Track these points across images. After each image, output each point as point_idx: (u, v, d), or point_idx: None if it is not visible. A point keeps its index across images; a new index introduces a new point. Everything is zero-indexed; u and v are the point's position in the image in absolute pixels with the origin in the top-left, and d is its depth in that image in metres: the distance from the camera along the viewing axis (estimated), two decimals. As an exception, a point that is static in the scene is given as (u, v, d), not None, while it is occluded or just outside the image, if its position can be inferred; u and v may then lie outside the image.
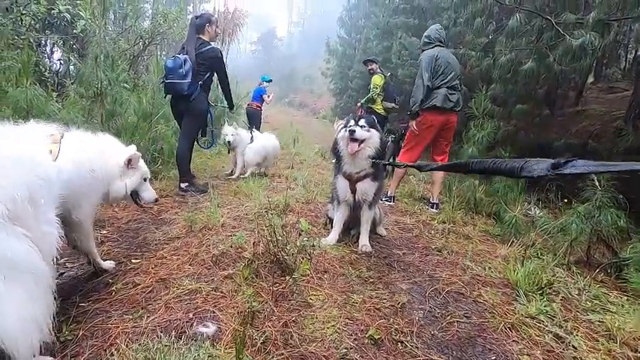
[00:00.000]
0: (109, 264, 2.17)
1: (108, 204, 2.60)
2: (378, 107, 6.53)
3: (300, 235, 2.44)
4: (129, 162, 2.02)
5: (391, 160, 5.66)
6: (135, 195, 2.20)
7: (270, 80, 9.31)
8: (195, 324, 1.62)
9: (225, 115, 7.63)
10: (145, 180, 2.22)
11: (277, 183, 4.83)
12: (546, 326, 1.83)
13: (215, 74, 4.22)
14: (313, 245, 2.42)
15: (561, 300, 2.07)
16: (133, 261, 2.27)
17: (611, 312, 2.01)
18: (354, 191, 2.72)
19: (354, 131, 2.56)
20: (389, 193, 4.28)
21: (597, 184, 2.76)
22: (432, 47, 4.07)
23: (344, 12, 19.52)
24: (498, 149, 4.38)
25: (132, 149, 2.04)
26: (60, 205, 1.57)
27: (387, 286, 2.16)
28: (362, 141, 2.59)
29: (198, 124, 4.22)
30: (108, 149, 1.97)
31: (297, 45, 40.96)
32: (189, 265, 2.21)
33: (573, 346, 1.67)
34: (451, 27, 7.19)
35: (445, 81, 3.93)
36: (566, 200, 3.27)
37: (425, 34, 4.27)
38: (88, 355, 1.37)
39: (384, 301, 1.98)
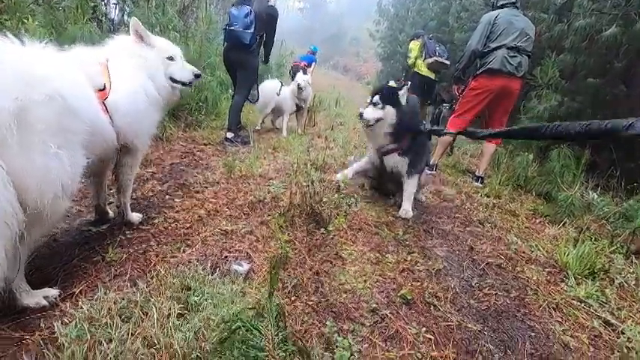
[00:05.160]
0: (136, 216, 1.96)
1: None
2: (422, 69, 6.12)
3: (338, 188, 2.40)
4: (136, 34, 1.73)
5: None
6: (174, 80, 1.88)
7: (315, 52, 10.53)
8: (229, 261, 1.65)
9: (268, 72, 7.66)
10: (171, 59, 1.86)
11: (317, 142, 4.76)
12: (595, 311, 1.69)
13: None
14: (349, 203, 2.39)
15: (616, 287, 1.90)
16: (176, 200, 2.34)
17: (674, 307, 1.82)
18: (382, 161, 2.66)
19: (362, 114, 2.52)
20: (432, 161, 4.08)
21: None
22: (501, 8, 3.66)
23: (402, -31, 18.11)
24: (560, 125, 3.97)
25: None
26: (121, 136, 1.61)
27: (423, 251, 2.09)
28: (378, 119, 2.50)
29: (254, 77, 4.34)
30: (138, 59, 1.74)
31: (347, 4, 38.98)
32: (227, 208, 2.25)
33: (628, 337, 1.52)
34: (522, -14, 6.42)
35: (504, 42, 3.53)
36: (635, 184, 2.93)
37: None
38: (130, 275, 1.45)
39: (419, 264, 1.91)
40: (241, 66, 4.16)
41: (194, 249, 1.74)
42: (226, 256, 1.69)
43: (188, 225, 1.99)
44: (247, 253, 1.76)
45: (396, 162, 2.59)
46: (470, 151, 5.46)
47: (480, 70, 3.69)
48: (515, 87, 3.63)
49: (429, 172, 4.03)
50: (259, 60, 4.50)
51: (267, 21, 4.08)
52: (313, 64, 10.13)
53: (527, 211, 3.14)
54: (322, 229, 2.01)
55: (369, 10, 23.90)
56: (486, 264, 2.04)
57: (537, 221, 2.94)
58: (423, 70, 6.12)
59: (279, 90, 5.07)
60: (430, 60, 5.95)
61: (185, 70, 1.94)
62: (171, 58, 1.86)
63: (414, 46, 6.23)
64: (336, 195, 1.94)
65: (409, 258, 1.96)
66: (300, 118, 5.40)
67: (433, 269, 1.87)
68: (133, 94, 1.64)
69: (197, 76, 1.99)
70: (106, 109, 1.47)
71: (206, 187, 2.62)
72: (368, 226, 2.27)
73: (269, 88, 5.12)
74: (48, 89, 1.10)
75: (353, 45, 31.32)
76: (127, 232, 1.84)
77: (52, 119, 1.12)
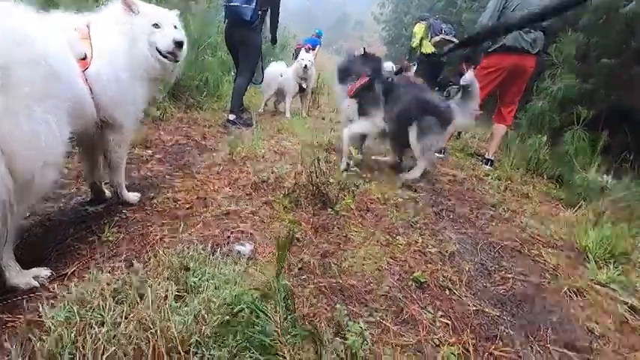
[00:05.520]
0: (133, 196, 1.85)
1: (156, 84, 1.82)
2: (428, 50, 5.87)
3: (347, 166, 2.29)
4: (124, 2, 1.55)
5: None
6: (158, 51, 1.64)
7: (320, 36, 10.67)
8: (231, 242, 1.56)
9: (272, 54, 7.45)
10: (157, 26, 1.63)
11: (321, 124, 4.62)
12: (620, 296, 1.59)
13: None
14: (356, 183, 2.29)
15: None
16: (176, 181, 2.24)
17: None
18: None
19: None
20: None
21: None
22: None
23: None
24: (575, 108, 3.78)
25: None
26: (102, 109, 1.49)
27: (435, 234, 1.99)
28: None
29: (257, 57, 4.15)
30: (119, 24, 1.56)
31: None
32: (229, 188, 2.15)
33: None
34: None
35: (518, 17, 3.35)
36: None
37: None
38: (126, 256, 1.36)
39: (431, 246, 1.82)
40: (243, 44, 4.00)
41: (194, 229, 1.65)
42: (228, 237, 1.60)
43: (188, 205, 1.89)
44: (250, 233, 1.67)
45: (350, 105, 2.81)
46: (478, 135, 5.32)
47: (493, 48, 3.52)
48: (529, 65, 3.46)
49: (438, 155, 3.91)
50: (263, 38, 4.33)
51: None
52: (317, 46, 10.06)
53: (540, 194, 3.03)
54: (329, 210, 1.91)
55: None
56: (501, 247, 1.94)
57: (551, 204, 2.83)
58: (429, 50, 5.93)
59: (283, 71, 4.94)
60: (437, 38, 5.73)
61: (165, 38, 1.61)
62: (156, 25, 1.62)
63: (419, 29, 6.06)
64: (344, 174, 1.83)
65: (420, 240, 1.86)
66: (303, 100, 5.25)
67: (446, 252, 1.78)
68: (114, 64, 1.49)
69: (178, 44, 1.62)
70: (86, 79, 1.35)
71: (208, 168, 2.52)
72: (376, 207, 2.17)
73: (273, 70, 4.98)
74: (33, 50, 1.03)
75: (357, 29, 30.74)
76: (125, 212, 1.75)
77: (38, 82, 1.05)
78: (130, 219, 1.69)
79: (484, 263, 1.76)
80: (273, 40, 4.56)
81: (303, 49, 5.28)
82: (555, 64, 3.82)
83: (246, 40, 3.94)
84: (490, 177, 3.29)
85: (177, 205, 1.88)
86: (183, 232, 1.62)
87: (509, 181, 3.18)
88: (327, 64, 13.78)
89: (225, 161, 2.69)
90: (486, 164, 3.73)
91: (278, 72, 4.92)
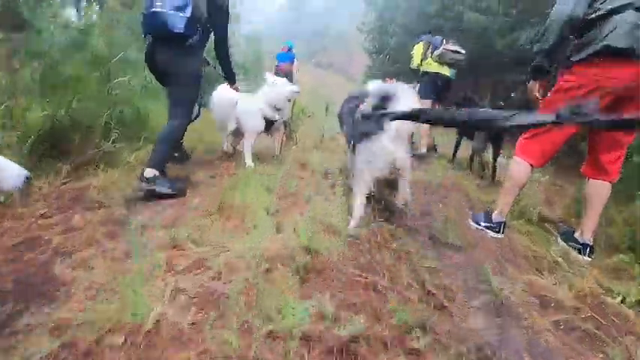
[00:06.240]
0: None
1: None
2: (432, 66, 4.69)
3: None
4: None
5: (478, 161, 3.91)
6: None
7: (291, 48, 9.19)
8: None
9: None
10: None
11: (299, 178, 2.98)
12: None
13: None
14: None
15: None
16: None
17: None
18: None
19: None
20: (494, 215, 2.39)
21: None
22: None
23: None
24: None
25: None
26: None
27: None
28: None
29: (195, 90, 2.65)
30: None
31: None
32: None
33: None
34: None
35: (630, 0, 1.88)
36: None
37: None
38: None
39: None
40: (172, 71, 2.46)
41: None
42: None
43: None
44: None
45: None
46: (546, 186, 3.76)
47: (585, 54, 2.01)
48: (654, 78, 1.95)
49: (494, 233, 2.36)
50: (205, 64, 2.80)
51: (215, 12, 2.50)
52: (295, 62, 8.73)
53: None
54: None
55: (354, 5, 22.14)
56: None
57: None
58: (433, 67, 4.75)
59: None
60: (438, 51, 4.58)
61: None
62: None
63: (417, 49, 4.99)
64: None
65: None
66: (275, 136, 3.63)
67: None
68: None
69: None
70: None
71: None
72: None
73: (224, 97, 3.32)
74: None
75: (338, 42, 29.65)
76: None
77: None
78: None
79: None
80: (230, 76, 3.07)
81: (271, 73, 3.64)
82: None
83: (177, 64, 2.42)
84: (617, 296, 1.74)
85: None
86: None
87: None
88: (308, 81, 12.34)
89: (71, 340, 1.04)
90: (583, 253, 2.18)
91: (232, 99, 3.27)
